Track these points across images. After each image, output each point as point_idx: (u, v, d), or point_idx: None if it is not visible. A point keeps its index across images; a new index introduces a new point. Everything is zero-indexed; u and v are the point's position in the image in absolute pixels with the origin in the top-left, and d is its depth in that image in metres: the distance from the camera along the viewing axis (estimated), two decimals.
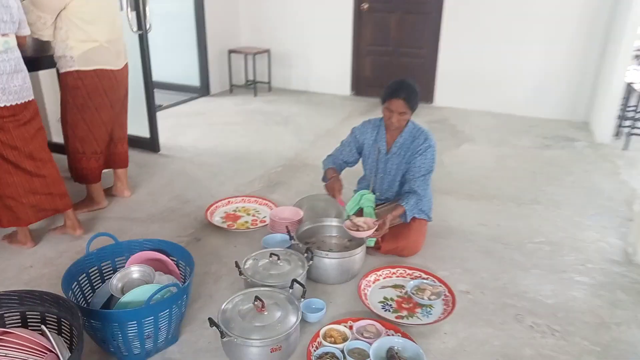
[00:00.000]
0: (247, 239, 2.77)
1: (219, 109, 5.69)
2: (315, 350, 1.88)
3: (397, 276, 2.43)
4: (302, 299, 1.97)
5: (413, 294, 2.25)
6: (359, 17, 5.91)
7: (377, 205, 2.70)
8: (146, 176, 3.64)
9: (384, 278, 2.41)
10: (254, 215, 3.04)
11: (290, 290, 2.01)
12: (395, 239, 2.55)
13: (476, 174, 3.83)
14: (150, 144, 4.08)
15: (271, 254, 2.21)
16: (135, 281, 1.87)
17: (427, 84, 5.83)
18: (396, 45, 5.89)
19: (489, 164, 4.06)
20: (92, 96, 2.73)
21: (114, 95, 2.87)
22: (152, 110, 3.96)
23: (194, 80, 6.20)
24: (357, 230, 2.38)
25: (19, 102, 2.27)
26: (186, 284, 1.75)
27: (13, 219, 2.45)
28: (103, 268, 1.99)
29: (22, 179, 2.36)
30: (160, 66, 6.39)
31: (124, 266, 1.99)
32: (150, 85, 3.87)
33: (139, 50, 3.70)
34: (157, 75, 6.41)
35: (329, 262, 2.30)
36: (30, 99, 2.36)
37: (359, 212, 2.67)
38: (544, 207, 3.28)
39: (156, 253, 2.00)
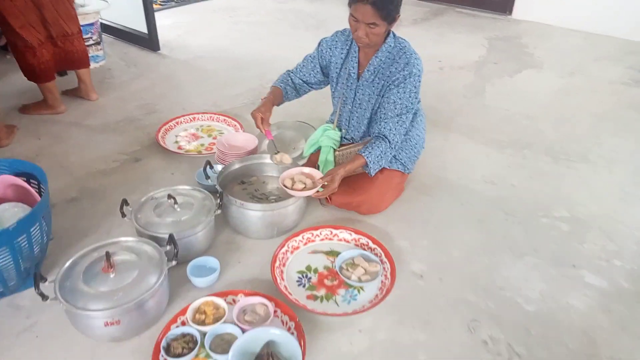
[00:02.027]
0: (193, 166, 2.34)
1: (253, 5, 5.08)
2: (176, 328, 1.49)
3: (339, 240, 1.90)
4: (174, 261, 1.55)
5: (342, 268, 1.74)
6: None
7: (341, 146, 2.11)
8: (129, 77, 3.28)
9: (322, 240, 1.90)
10: (215, 138, 2.59)
11: (168, 247, 1.60)
12: (351, 190, 1.97)
13: (519, 111, 2.98)
14: (149, 42, 3.67)
15: (169, 196, 1.78)
16: None
17: None
18: None
19: (544, 99, 3.15)
20: None
21: None
22: (147, 4, 3.49)
23: None
24: (292, 188, 1.83)
25: None
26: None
27: None
28: None
29: None
30: None
31: None
32: None
33: None
34: None
35: (248, 213, 1.83)
36: None
37: (317, 153, 2.12)
38: (590, 167, 2.44)
39: (20, 180, 1.66)
